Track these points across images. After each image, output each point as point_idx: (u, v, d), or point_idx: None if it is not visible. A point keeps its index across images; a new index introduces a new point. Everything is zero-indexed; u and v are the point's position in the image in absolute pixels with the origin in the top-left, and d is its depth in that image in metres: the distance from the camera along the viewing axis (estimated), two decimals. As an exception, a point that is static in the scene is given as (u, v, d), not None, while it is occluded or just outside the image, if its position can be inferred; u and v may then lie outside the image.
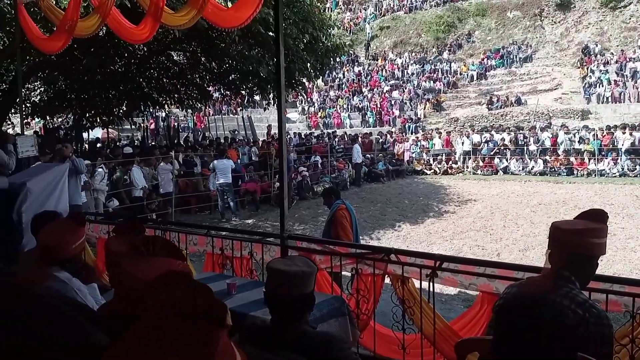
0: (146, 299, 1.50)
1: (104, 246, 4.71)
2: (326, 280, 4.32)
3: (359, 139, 21.76)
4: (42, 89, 17.15)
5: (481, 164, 21.34)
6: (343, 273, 4.46)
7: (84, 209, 7.32)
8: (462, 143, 22.38)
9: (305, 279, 2.01)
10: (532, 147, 20.97)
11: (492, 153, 21.49)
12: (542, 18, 31.77)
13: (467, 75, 30.06)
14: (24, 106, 15.28)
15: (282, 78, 4.23)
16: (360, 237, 10.74)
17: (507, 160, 20.94)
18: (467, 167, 21.62)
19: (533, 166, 20.15)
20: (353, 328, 3.49)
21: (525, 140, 21.47)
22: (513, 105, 25.20)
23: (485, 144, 21.97)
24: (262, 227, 12.18)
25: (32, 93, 17.19)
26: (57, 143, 12.99)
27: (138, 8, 8.27)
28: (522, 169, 20.33)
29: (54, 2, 7.23)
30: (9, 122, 16.03)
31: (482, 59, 30.81)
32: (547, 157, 20.20)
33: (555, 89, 25.99)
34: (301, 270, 2.01)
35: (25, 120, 16.60)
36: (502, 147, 21.52)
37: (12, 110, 14.45)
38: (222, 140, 19.98)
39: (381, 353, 3.93)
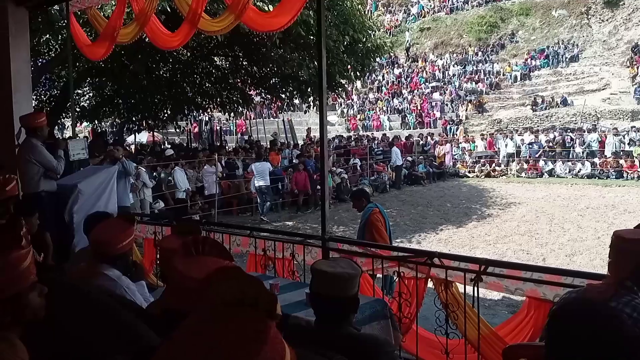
0: (196, 295, 1.54)
1: (158, 244, 4.85)
2: (368, 282, 4.31)
3: (399, 141, 21.61)
4: (90, 94, 17.78)
5: (525, 166, 20.80)
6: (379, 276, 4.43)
7: (132, 210, 7.54)
8: (506, 145, 21.85)
9: (350, 281, 2.02)
10: (579, 149, 20.30)
11: (537, 155, 20.92)
12: (589, 16, 30.75)
13: (511, 76, 29.39)
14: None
15: (323, 81, 4.25)
16: (401, 241, 10.73)
17: (552, 162, 20.35)
18: (511, 169, 21.11)
19: (580, 169, 19.50)
20: (395, 331, 3.46)
21: (571, 142, 20.81)
22: (559, 106, 24.50)
23: (530, 146, 21.41)
24: (302, 229, 12.25)
25: (82, 98, 17.85)
26: (105, 146, 13.46)
27: (173, 13, 8.54)
28: (569, 172, 19.70)
29: (100, 11, 7.49)
30: (61, 126, 16.69)
31: (526, 59, 30.07)
32: (595, 160, 19.52)
33: (603, 89, 25.11)
34: (346, 272, 2.02)
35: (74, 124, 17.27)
36: (547, 149, 20.92)
37: (63, 115, 15.06)
38: (263, 144, 20.21)
39: (424, 357, 3.89)
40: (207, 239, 1.74)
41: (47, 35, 11.98)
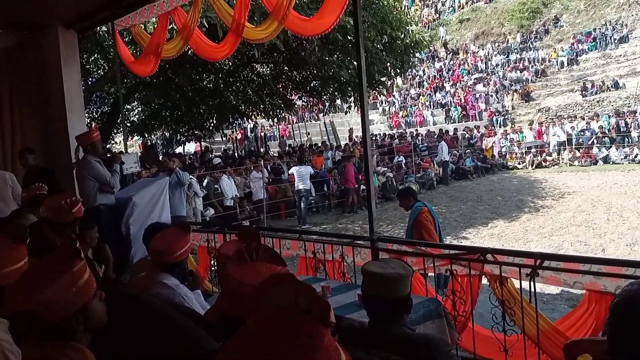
0: (251, 301, 1.58)
1: (217, 251, 4.96)
2: (420, 282, 4.27)
3: (445, 135, 21.27)
4: (139, 108, 18.39)
5: (578, 154, 20.04)
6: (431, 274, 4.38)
7: (186, 219, 7.75)
8: (556, 134, 21.10)
9: (402, 282, 2.02)
10: (635, 134, 19.38)
11: (589, 142, 20.12)
12: (639, -6, 29.37)
13: (557, 62, 28.40)
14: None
15: (364, 82, 4.25)
16: (451, 237, 10.56)
17: (606, 149, 19.51)
18: (563, 158, 20.37)
19: (637, 154, 18.62)
20: (451, 330, 3.42)
21: (626, 126, 19.89)
22: (610, 90, 23.48)
23: (582, 133, 20.61)
24: (350, 229, 12.25)
25: (131, 113, 18.49)
26: (156, 159, 13.90)
27: (211, 27, 8.73)
28: (625, 158, 18.83)
29: (143, 28, 7.75)
30: (113, 141, 17.33)
31: (573, 44, 28.99)
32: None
33: (658, 69, 23.91)
34: (397, 272, 2.02)
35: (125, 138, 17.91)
36: (600, 135, 20.08)
37: (114, 130, 15.64)
38: (306, 147, 20.35)
39: (482, 355, 3.82)
40: (261, 246, 1.78)
41: (96, 55, 12.51)
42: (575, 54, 28.19)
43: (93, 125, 16.38)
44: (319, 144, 21.19)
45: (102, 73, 14.21)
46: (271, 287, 0.99)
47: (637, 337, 1.21)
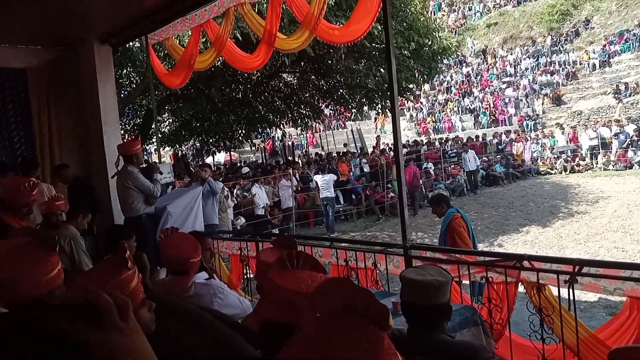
0: (293, 307, 1.60)
1: (256, 257, 5.04)
2: (455, 289, 4.24)
3: (472, 142, 20.98)
4: (170, 120, 18.73)
5: (613, 158, 19.54)
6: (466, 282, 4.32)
7: (219, 228, 7.85)
8: (589, 137, 20.61)
9: (441, 289, 2.01)
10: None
11: (624, 146, 19.60)
12: (673, -8, 28.62)
13: (589, 64, 27.82)
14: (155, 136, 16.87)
15: (394, 89, 4.25)
16: (484, 245, 10.41)
17: (643, 152, 18.99)
18: (597, 163, 19.90)
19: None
20: (487, 338, 3.38)
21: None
22: (618, 97, 22.83)
23: (616, 137, 20.09)
24: (379, 237, 12.20)
25: (162, 124, 18.84)
26: (187, 168, 14.12)
27: (246, 38, 8.85)
28: (662, 161, 18.30)
29: (177, 41, 7.92)
30: (146, 152, 17.68)
31: (604, 45, 28.37)
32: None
33: (695, 69, 23.22)
34: (436, 279, 2.02)
35: (157, 149, 18.27)
36: (635, 139, 19.54)
37: (147, 141, 15.96)
38: (333, 155, 20.37)
39: (519, 364, 3.76)
40: (301, 253, 1.80)
41: (128, 68, 12.82)
42: (607, 55, 27.57)
43: (127, 136, 16.76)
44: (346, 152, 21.19)
45: (134, 86, 14.53)
46: (327, 291, 1.00)
47: None
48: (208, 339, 2.45)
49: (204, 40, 7.16)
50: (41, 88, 7.30)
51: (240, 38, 8.46)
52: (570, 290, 3.41)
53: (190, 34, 6.85)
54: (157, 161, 6.96)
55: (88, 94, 7.09)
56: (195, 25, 6.49)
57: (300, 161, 19.89)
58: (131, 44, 10.04)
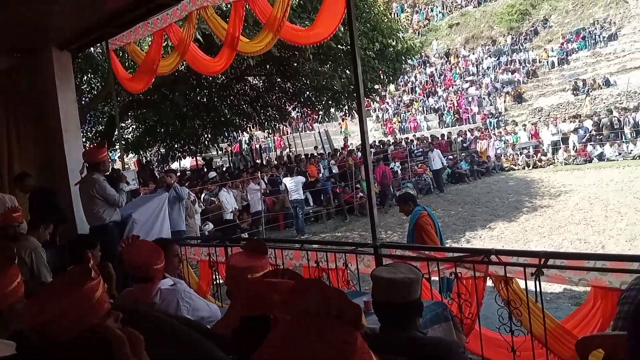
0: (273, 310, 1.59)
1: (227, 262, 4.97)
2: (425, 286, 4.27)
3: (438, 140, 21.28)
4: (133, 126, 18.38)
5: (573, 153, 20.14)
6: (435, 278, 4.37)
7: (186, 234, 7.72)
8: (551, 133, 21.18)
9: (412, 286, 2.02)
10: (628, 130, 19.48)
11: (583, 140, 20.23)
12: (625, -9, 29.70)
13: (548, 62, 28.66)
14: (118, 143, 16.50)
15: (361, 90, 4.27)
16: (451, 241, 10.57)
17: (601, 146, 19.62)
18: (558, 158, 20.49)
19: (631, 150, 18.72)
20: (458, 333, 3.42)
21: (619, 123, 20.00)
22: (601, 88, 23.66)
23: (575, 132, 20.72)
24: (350, 237, 12.25)
25: (125, 131, 18.46)
26: (152, 175, 13.87)
27: (209, 40, 8.75)
28: (619, 154, 18.94)
29: (139, 46, 7.77)
30: (110, 159, 17.28)
31: (562, 43, 29.28)
32: (647, 139, 18.70)
33: (648, 65, 24.13)
34: (407, 277, 2.02)
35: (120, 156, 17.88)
36: (594, 133, 20.20)
37: (110, 148, 15.60)
38: (303, 157, 20.36)
39: (490, 357, 3.81)
40: (287, 270, 1.80)
41: (89, 74, 12.52)
42: (565, 53, 28.44)
43: (89, 144, 16.35)
44: (315, 154, 21.21)
45: (95, 92, 14.21)
46: (301, 293, 0.99)
47: None
48: (177, 346, 2.40)
49: (165, 44, 7.03)
50: (-1, 96, 7.07)
51: (202, 40, 8.34)
52: (537, 283, 3.49)
53: (152, 38, 6.73)
54: (121, 169, 6.80)
55: (47, 101, 6.89)
56: (157, 29, 6.38)
57: (275, 162, 19.80)
58: (92, 49, 9.80)
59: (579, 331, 3.51)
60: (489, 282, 3.87)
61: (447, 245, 7.60)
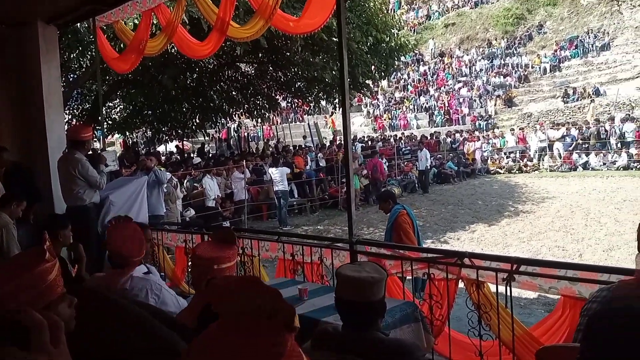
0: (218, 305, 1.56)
1: (190, 251, 4.93)
2: (397, 285, 4.28)
3: (426, 139, 21.31)
4: (121, 106, 18.17)
5: (558, 160, 20.31)
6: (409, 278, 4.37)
7: (165, 219, 7.65)
8: (541, 139, 21.31)
9: (375, 285, 1.99)
10: (614, 140, 19.68)
11: (569, 148, 20.40)
12: (620, 3, 29.87)
13: (540, 68, 28.82)
14: (105, 123, 16.29)
15: (346, 83, 4.23)
16: (432, 241, 10.61)
17: (586, 155, 19.80)
18: (543, 164, 20.65)
19: (616, 160, 18.92)
20: (427, 334, 3.42)
21: (606, 133, 20.19)
22: (591, 97, 23.85)
23: (562, 139, 20.88)
24: (332, 231, 12.24)
25: (113, 111, 18.24)
26: (137, 157, 13.73)
27: (195, 22, 8.64)
28: (604, 164, 19.13)
29: (126, 24, 7.64)
30: (95, 138, 17.08)
31: (555, 50, 29.43)
32: (632, 150, 18.89)
33: (637, 77, 24.32)
34: (370, 276, 2.00)
35: (107, 135, 17.70)
36: (580, 142, 20.37)
37: (96, 127, 15.40)
38: (291, 147, 20.29)
39: (458, 359, 3.83)
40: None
41: (77, 52, 12.32)
42: (557, 60, 28.62)
43: (74, 122, 16.13)
44: (302, 145, 21.15)
45: (84, 70, 14.01)
46: (236, 292, 0.96)
47: (610, 346, 1.20)
48: (137, 332, 2.36)
49: (155, 23, 6.92)
50: (-20, 67, 6.90)
51: (187, 22, 8.22)
52: (508, 288, 3.49)
53: (140, 18, 6.62)
54: (101, 149, 6.70)
55: (31, 75, 6.73)
56: (146, 9, 6.28)
57: (260, 152, 19.70)
58: (79, 25, 9.62)
59: (547, 339, 3.53)
60: (461, 285, 3.88)
61: (425, 246, 7.62)
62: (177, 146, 21.61)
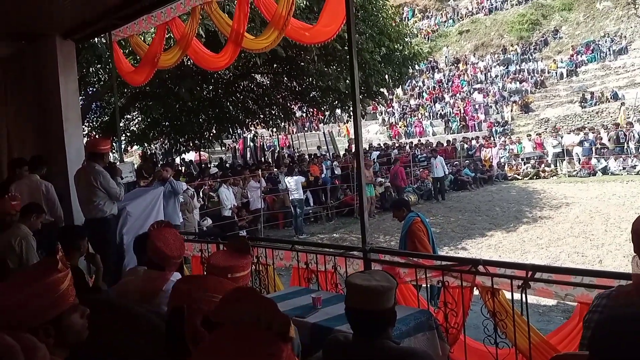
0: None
1: (206, 261, 4.98)
2: (412, 293, 4.26)
3: (442, 147, 21.20)
4: (139, 118, 18.43)
5: (577, 165, 20.03)
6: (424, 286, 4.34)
7: (182, 229, 7.72)
8: (555, 145, 21.07)
9: (385, 294, 2.00)
10: (632, 145, 19.34)
11: (588, 153, 20.12)
12: (637, 6, 29.50)
13: (556, 73, 28.53)
14: (124, 135, 16.54)
15: (357, 93, 4.26)
16: (449, 248, 10.54)
17: (605, 160, 19.50)
18: (562, 169, 20.39)
19: (635, 165, 18.60)
20: (442, 342, 3.40)
21: (625, 137, 19.87)
22: (609, 101, 23.52)
23: (581, 144, 20.60)
24: (348, 239, 12.23)
25: (131, 122, 18.51)
26: (154, 168, 13.89)
27: (211, 35, 8.75)
28: (623, 169, 18.81)
29: (142, 38, 7.78)
30: (113, 150, 17.34)
31: (572, 55, 29.14)
32: (653, 155, 18.57)
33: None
34: (380, 284, 2.00)
35: (125, 148, 17.94)
36: (599, 147, 20.08)
37: (114, 139, 15.64)
38: (306, 157, 20.34)
39: (473, 368, 3.79)
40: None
41: (96, 66, 12.56)
42: (574, 65, 28.32)
43: (94, 134, 16.40)
44: (317, 154, 21.20)
45: (102, 83, 14.26)
46: (232, 303, 0.98)
47: (615, 354, 1.20)
48: (144, 339, 2.40)
49: (168, 36, 7.03)
50: (0, 82, 7.09)
51: (203, 35, 8.34)
52: (524, 296, 3.46)
53: (155, 31, 6.73)
54: (118, 162, 6.81)
55: (49, 89, 6.89)
56: (161, 22, 6.38)
57: (286, 161, 19.78)
58: (97, 40, 9.83)
59: (564, 347, 3.48)
60: (476, 292, 3.85)
61: (441, 253, 7.58)
62: (185, 159, 21.85)
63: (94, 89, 14.82)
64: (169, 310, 1.71)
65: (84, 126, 13.77)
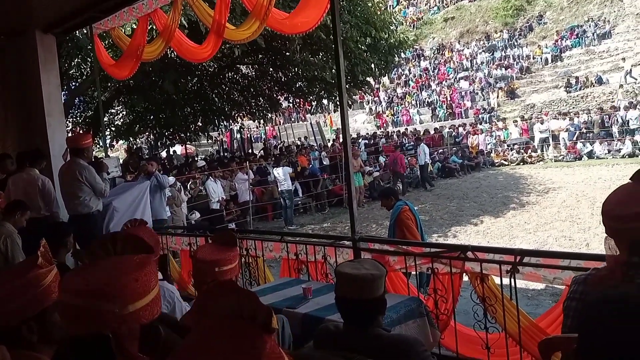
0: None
1: (193, 255, 4.95)
2: (402, 281, 4.27)
3: (428, 134, 21.24)
4: (124, 112, 18.22)
5: (563, 150, 20.20)
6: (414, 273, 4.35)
7: (169, 223, 7.67)
8: (540, 130, 21.20)
9: (375, 282, 1.99)
10: (616, 129, 19.51)
11: (574, 138, 20.29)
12: (620, -10, 29.70)
13: (541, 58, 28.68)
14: (109, 129, 16.36)
15: (342, 83, 4.23)
16: (438, 235, 10.59)
17: (591, 144, 19.68)
18: (548, 154, 20.55)
19: (620, 148, 18.79)
20: (433, 329, 3.42)
21: (610, 121, 20.05)
22: (594, 86, 23.70)
23: (566, 129, 20.75)
24: (338, 229, 12.25)
25: (115, 117, 18.30)
26: (140, 163, 13.78)
27: (194, 26, 8.65)
28: (609, 152, 19.00)
29: (123, 30, 7.66)
30: (98, 145, 17.16)
31: (556, 40, 29.28)
32: (637, 137, 18.74)
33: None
34: (370, 273, 1.99)
35: (111, 143, 17.75)
36: (584, 131, 20.24)
37: (98, 134, 15.47)
38: (294, 147, 20.30)
39: (464, 353, 3.82)
40: (119, 237, 1.69)
41: (77, 59, 12.36)
42: (559, 50, 28.46)
43: (77, 129, 16.19)
44: (305, 145, 21.17)
45: (85, 77, 14.06)
46: (214, 296, 0.97)
47: (599, 337, 1.19)
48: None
49: (151, 28, 6.93)
50: (-20, 78, 6.95)
51: (187, 25, 8.22)
52: (512, 280, 3.48)
53: (136, 23, 6.63)
54: (103, 156, 6.72)
55: (31, 84, 6.78)
56: (142, 14, 6.29)
57: (262, 152, 19.70)
58: (78, 33, 9.67)
59: (553, 330, 3.51)
60: (466, 278, 3.87)
61: (431, 240, 7.61)
62: (174, 151, 21.71)
63: (77, 84, 14.61)
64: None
65: (68, 122, 13.62)
